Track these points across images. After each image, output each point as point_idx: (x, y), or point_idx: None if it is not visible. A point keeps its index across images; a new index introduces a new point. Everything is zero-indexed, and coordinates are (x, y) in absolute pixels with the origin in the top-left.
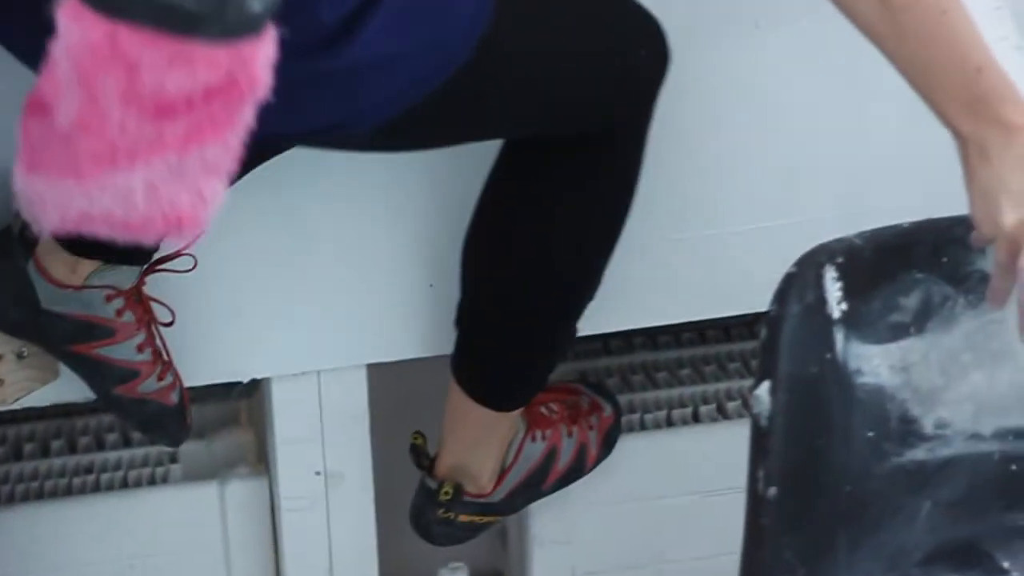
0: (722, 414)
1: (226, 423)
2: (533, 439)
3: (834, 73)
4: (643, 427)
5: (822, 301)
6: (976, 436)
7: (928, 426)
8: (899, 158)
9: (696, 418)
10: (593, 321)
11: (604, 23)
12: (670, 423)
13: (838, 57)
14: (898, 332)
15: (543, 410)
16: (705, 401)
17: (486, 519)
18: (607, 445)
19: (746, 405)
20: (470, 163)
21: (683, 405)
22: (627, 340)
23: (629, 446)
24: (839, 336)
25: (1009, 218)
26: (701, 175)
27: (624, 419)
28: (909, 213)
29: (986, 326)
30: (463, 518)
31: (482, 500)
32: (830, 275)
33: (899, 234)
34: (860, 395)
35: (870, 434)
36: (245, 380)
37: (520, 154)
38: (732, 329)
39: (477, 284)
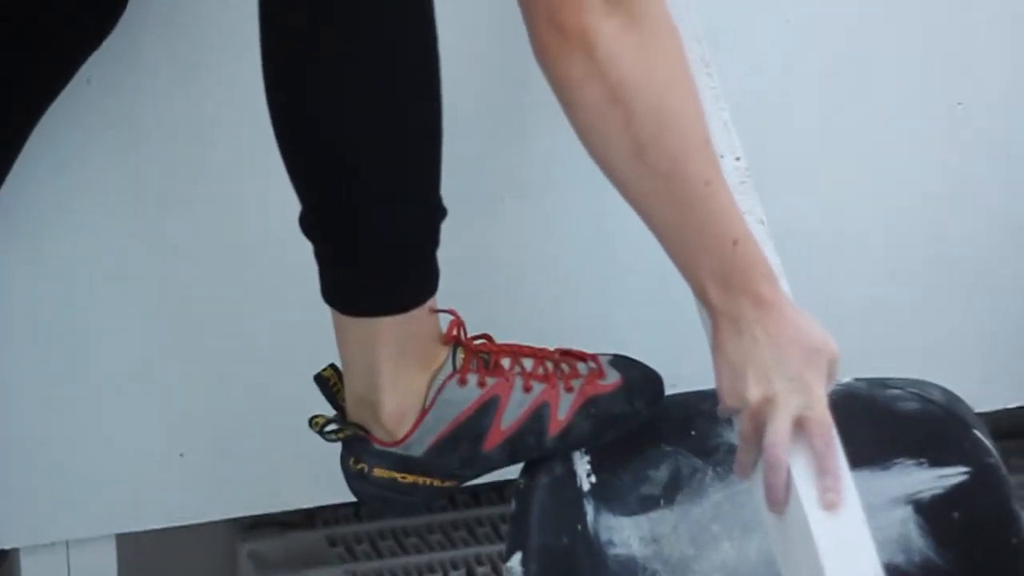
0: None
1: None
2: (462, 383)
3: (580, 239)
4: None
5: (571, 473)
6: None
7: None
8: (647, 324)
9: None
10: (342, 488)
11: None
12: None
13: (585, 226)
14: (648, 504)
15: (494, 358)
16: (455, 566)
17: (410, 478)
18: (589, 415)
19: (496, 571)
20: (222, 340)
21: (432, 571)
22: None
23: None
24: (589, 508)
25: (754, 392)
26: None
27: None
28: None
29: (734, 496)
30: (378, 472)
31: (395, 450)
32: None
33: None
34: (612, 566)
35: None
36: None
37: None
38: (481, 494)
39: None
